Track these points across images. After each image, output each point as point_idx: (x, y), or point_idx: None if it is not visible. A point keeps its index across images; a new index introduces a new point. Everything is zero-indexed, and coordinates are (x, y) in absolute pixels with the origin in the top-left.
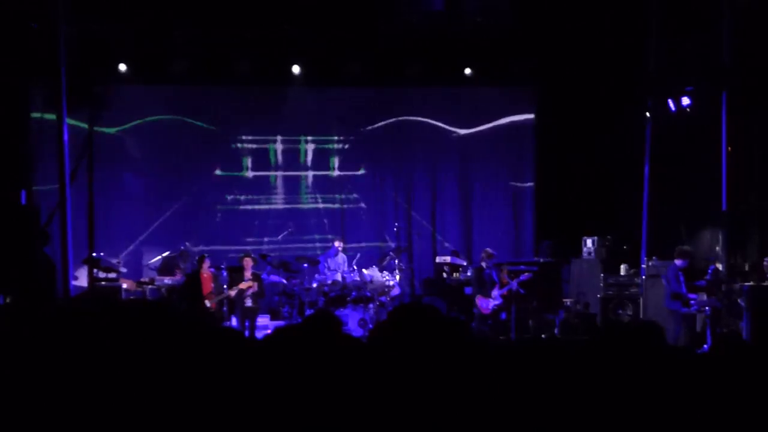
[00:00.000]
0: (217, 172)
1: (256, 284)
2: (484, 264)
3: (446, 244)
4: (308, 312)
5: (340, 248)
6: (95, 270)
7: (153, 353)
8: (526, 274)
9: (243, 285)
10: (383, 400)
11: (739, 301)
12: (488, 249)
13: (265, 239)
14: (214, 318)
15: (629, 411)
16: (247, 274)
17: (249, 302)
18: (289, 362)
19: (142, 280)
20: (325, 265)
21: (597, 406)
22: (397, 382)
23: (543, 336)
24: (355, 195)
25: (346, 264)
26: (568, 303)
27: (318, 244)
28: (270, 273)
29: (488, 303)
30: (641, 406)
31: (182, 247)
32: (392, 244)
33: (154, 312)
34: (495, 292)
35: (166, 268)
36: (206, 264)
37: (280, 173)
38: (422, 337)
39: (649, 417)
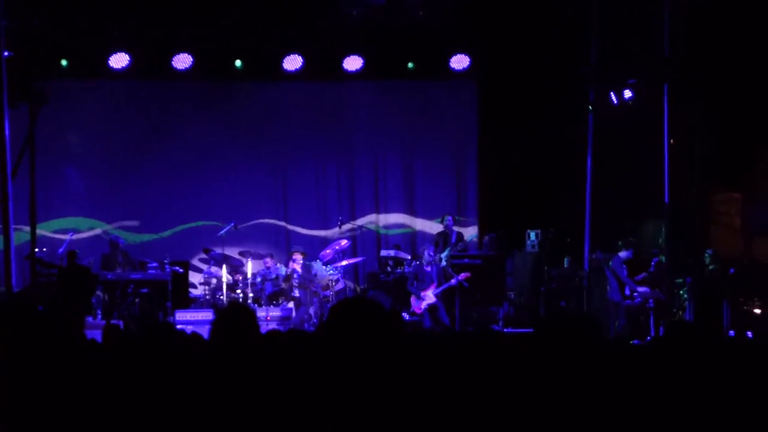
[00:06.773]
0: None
1: None
2: (425, 259)
3: (389, 238)
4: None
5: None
6: (37, 266)
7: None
8: (465, 272)
9: None
10: (307, 397)
11: (682, 293)
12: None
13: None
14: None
15: (567, 403)
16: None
17: None
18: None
19: None
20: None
21: (534, 398)
22: (324, 376)
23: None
24: (299, 187)
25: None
26: (512, 296)
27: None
28: (211, 267)
29: (419, 303)
30: (580, 397)
31: (110, 238)
32: (336, 237)
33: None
34: (430, 291)
35: (106, 263)
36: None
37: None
38: (362, 331)
39: (588, 407)
